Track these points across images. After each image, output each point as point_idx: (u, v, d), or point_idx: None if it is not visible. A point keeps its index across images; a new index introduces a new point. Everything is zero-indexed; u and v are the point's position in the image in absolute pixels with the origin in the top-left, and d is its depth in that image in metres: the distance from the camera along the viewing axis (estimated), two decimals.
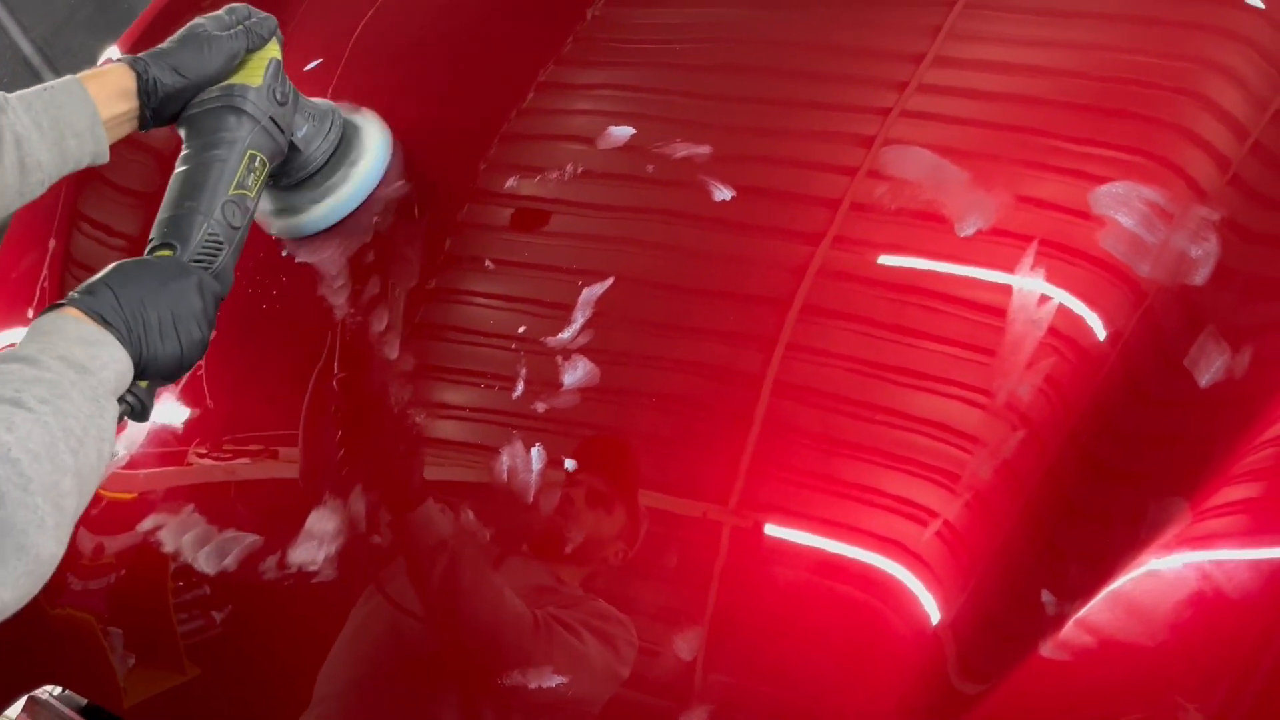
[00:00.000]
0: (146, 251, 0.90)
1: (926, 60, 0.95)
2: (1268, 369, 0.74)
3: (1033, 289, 0.80)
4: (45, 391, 0.66)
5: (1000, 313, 0.79)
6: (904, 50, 0.97)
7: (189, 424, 1.03)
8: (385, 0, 1.27)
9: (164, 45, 0.94)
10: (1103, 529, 0.71)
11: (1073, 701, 0.68)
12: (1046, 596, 0.70)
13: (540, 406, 0.87)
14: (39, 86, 0.87)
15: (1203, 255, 0.79)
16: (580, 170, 0.99)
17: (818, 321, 0.84)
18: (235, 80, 0.95)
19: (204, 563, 0.94)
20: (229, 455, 1.01)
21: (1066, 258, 0.81)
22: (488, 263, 0.98)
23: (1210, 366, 0.74)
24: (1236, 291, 0.77)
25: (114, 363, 0.73)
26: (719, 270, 0.90)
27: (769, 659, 0.76)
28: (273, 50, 0.99)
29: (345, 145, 1.07)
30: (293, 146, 1.01)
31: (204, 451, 1.02)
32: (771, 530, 0.78)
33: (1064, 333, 0.78)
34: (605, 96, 1.09)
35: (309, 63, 1.24)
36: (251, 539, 0.94)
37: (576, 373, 0.88)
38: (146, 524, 0.99)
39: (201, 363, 0.87)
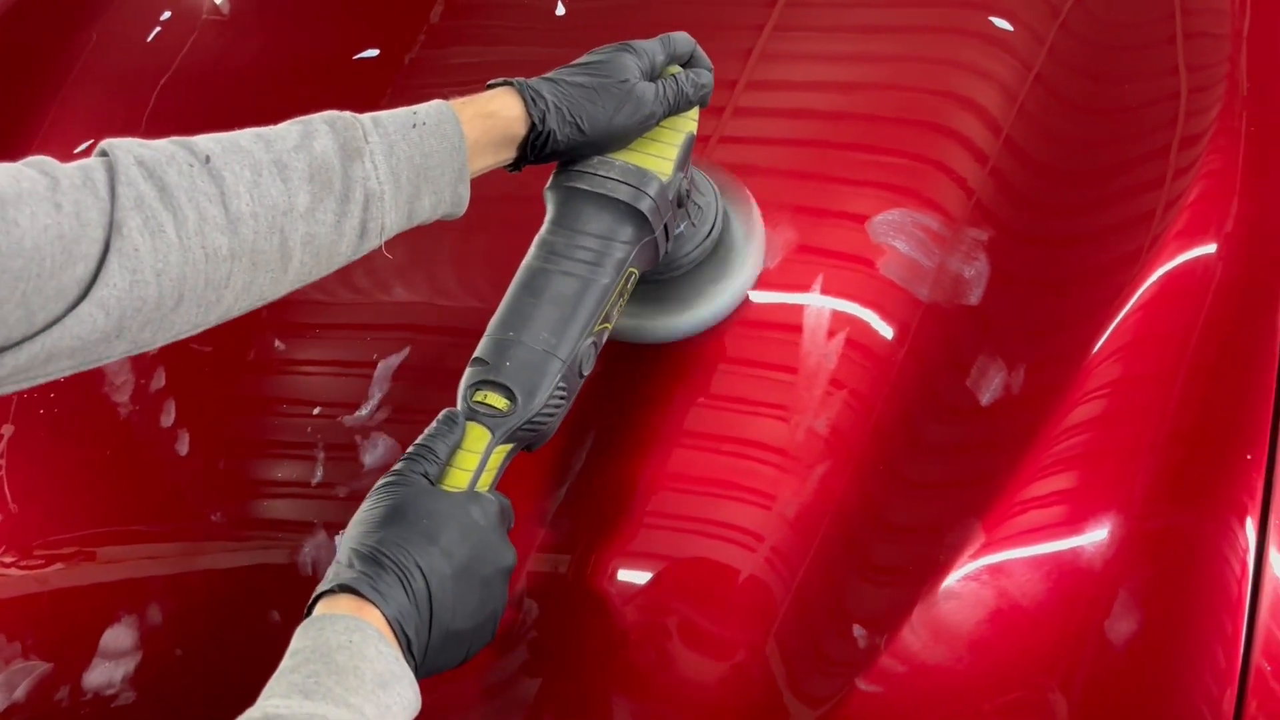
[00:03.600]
0: (464, 387, 0.67)
1: None
2: (1042, 382, 0.76)
3: (819, 320, 0.81)
4: None
5: (793, 344, 0.80)
6: None
7: None
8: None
9: (573, 78, 0.71)
10: (902, 557, 0.72)
11: None
12: (858, 630, 0.70)
13: (342, 491, 0.84)
14: (405, 115, 0.65)
15: (975, 275, 0.82)
16: None
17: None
18: (639, 162, 0.72)
19: None
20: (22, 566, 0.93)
21: (849, 287, 0.83)
22: (278, 344, 0.94)
23: (990, 385, 0.77)
24: (1008, 308, 0.80)
25: (403, 711, 0.57)
26: None
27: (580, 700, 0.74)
28: (690, 121, 0.75)
29: (720, 248, 0.81)
30: None
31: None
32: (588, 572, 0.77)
33: (855, 363, 0.80)
34: None
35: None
36: (42, 667, 0.87)
37: (377, 451, 0.85)
38: None
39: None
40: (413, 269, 0.94)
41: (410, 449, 0.67)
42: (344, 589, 0.58)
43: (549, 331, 0.67)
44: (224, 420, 0.93)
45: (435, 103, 0.67)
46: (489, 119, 0.68)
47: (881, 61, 0.98)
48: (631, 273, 0.71)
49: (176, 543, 0.89)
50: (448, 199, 0.67)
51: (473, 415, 0.67)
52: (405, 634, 0.58)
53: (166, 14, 1.34)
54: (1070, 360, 0.77)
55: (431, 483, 0.65)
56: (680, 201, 0.74)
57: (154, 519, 0.90)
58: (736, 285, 0.81)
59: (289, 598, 0.82)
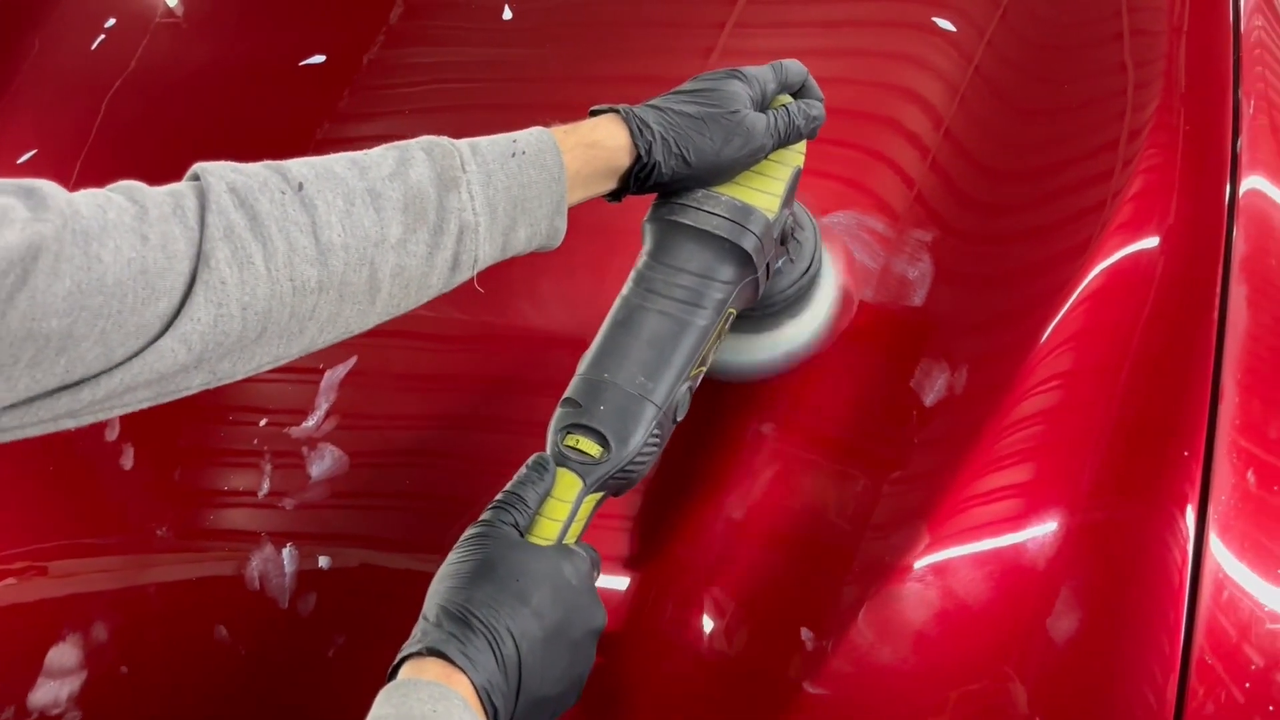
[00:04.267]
0: (555, 430, 0.64)
1: None
2: (986, 380, 0.77)
3: None
4: None
5: None
6: None
7: None
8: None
9: (680, 106, 0.67)
10: (848, 559, 0.72)
11: None
12: (805, 633, 0.70)
13: (289, 503, 0.83)
14: (505, 142, 0.62)
15: (919, 276, 0.82)
16: None
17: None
18: (745, 198, 0.68)
19: None
20: None
21: None
22: None
23: (933, 385, 0.77)
24: (952, 307, 0.81)
25: None
26: (464, 350, 0.88)
27: None
28: (798, 155, 0.72)
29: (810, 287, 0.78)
30: None
31: None
32: None
33: (800, 368, 0.80)
34: None
35: None
36: None
37: (324, 462, 0.84)
38: None
39: None
40: None
41: (499, 496, 0.63)
42: (432, 652, 0.56)
43: (645, 375, 0.64)
44: (169, 433, 0.91)
45: (536, 130, 0.64)
46: (592, 149, 0.65)
47: (834, 56, 0.98)
48: (730, 313, 0.68)
49: (121, 557, 0.87)
50: (543, 231, 0.64)
51: (563, 461, 0.64)
52: (492, 703, 0.56)
53: (111, 20, 1.32)
54: (1014, 357, 0.77)
55: (521, 533, 0.62)
56: (784, 239, 0.71)
57: (98, 533, 0.89)
58: (817, 321, 0.78)
59: (235, 612, 0.81)
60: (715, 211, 0.67)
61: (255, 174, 0.55)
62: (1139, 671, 0.65)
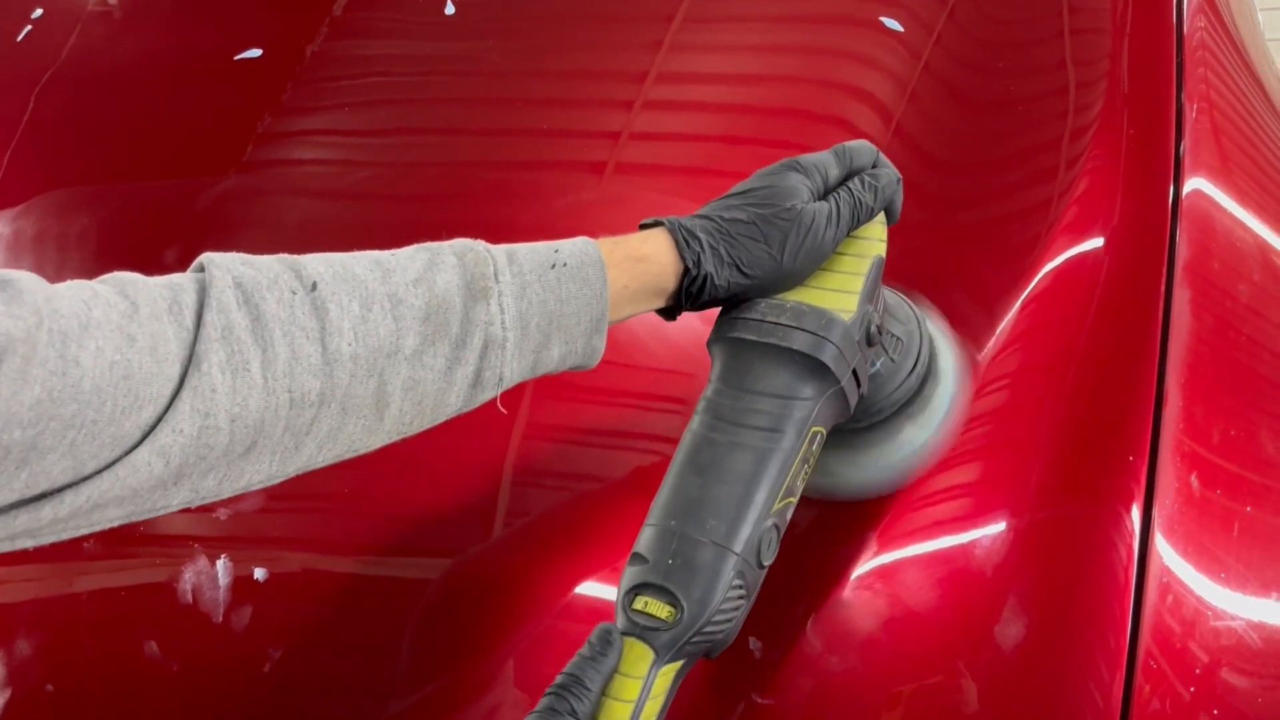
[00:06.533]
0: (622, 593, 0.56)
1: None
2: None
3: None
4: None
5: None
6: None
7: None
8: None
9: (730, 213, 0.60)
10: (796, 566, 0.71)
11: None
12: (753, 643, 0.69)
13: (223, 513, 0.80)
14: (546, 252, 0.57)
15: None
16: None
17: None
18: (814, 301, 0.61)
19: None
20: None
21: None
22: None
23: None
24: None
25: None
26: None
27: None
28: (877, 242, 0.63)
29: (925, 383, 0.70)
30: None
31: None
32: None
33: None
34: None
35: None
36: None
37: None
38: None
39: None
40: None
41: (557, 679, 0.54)
42: None
43: (718, 519, 0.56)
44: None
45: (581, 240, 0.58)
46: (640, 263, 0.59)
47: (782, 53, 0.98)
48: (817, 432, 0.60)
49: (46, 565, 0.84)
50: (580, 350, 0.58)
51: (631, 629, 0.56)
52: None
53: (39, 11, 1.28)
54: (964, 353, 0.76)
55: None
56: (871, 340, 0.63)
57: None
58: (943, 424, 0.70)
59: (166, 627, 0.78)
60: (781, 321, 0.60)
61: (266, 269, 0.50)
62: (1086, 671, 0.65)
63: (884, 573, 0.70)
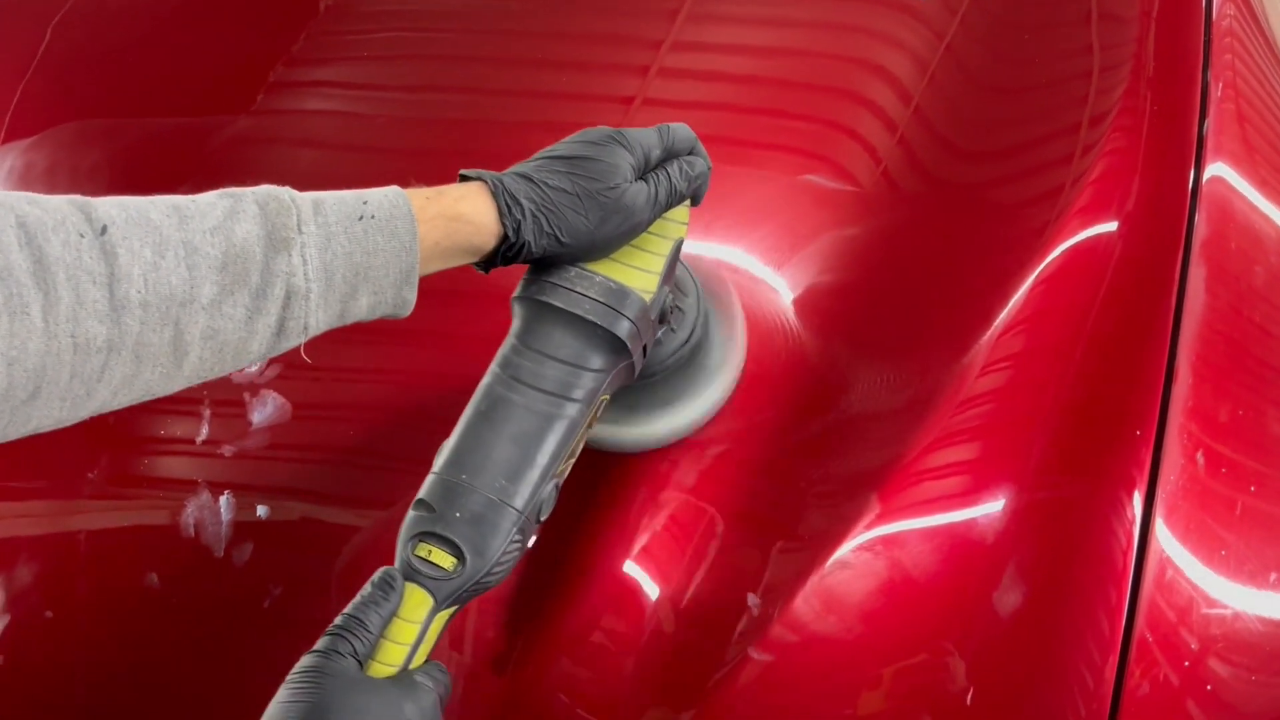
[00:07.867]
0: (405, 537, 0.59)
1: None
2: (942, 356, 0.76)
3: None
4: None
5: None
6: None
7: None
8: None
9: (555, 181, 0.62)
10: (798, 527, 0.72)
11: (780, 700, 0.69)
12: (752, 599, 0.70)
13: (228, 449, 0.81)
14: (354, 202, 0.57)
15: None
16: None
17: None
18: (621, 277, 0.64)
19: None
20: None
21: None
22: None
23: (889, 358, 0.76)
24: (910, 281, 0.81)
25: None
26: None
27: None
28: (680, 225, 0.67)
29: (697, 351, 0.73)
30: None
31: None
32: None
33: (759, 340, 0.79)
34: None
35: None
36: None
37: (266, 410, 0.81)
38: None
39: None
40: None
41: (338, 620, 0.57)
42: None
43: (506, 477, 0.59)
44: None
45: (391, 192, 0.58)
46: (454, 222, 0.59)
47: (805, 28, 0.97)
48: (604, 399, 0.64)
49: (49, 500, 0.84)
50: (390, 300, 0.58)
51: (412, 575, 0.58)
52: None
53: None
54: (971, 333, 0.76)
55: (361, 663, 0.56)
56: (663, 317, 0.67)
57: (25, 475, 0.86)
58: (714, 392, 0.74)
59: (168, 560, 0.79)
60: (588, 294, 0.63)
61: (54, 209, 0.48)
62: (1079, 649, 0.65)
63: (886, 541, 0.70)
